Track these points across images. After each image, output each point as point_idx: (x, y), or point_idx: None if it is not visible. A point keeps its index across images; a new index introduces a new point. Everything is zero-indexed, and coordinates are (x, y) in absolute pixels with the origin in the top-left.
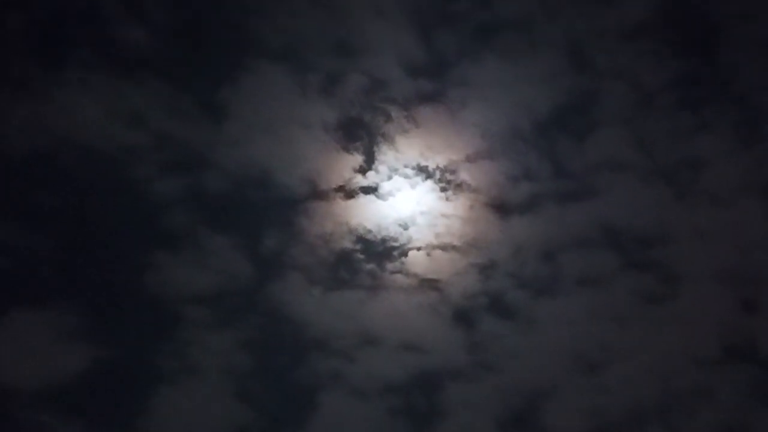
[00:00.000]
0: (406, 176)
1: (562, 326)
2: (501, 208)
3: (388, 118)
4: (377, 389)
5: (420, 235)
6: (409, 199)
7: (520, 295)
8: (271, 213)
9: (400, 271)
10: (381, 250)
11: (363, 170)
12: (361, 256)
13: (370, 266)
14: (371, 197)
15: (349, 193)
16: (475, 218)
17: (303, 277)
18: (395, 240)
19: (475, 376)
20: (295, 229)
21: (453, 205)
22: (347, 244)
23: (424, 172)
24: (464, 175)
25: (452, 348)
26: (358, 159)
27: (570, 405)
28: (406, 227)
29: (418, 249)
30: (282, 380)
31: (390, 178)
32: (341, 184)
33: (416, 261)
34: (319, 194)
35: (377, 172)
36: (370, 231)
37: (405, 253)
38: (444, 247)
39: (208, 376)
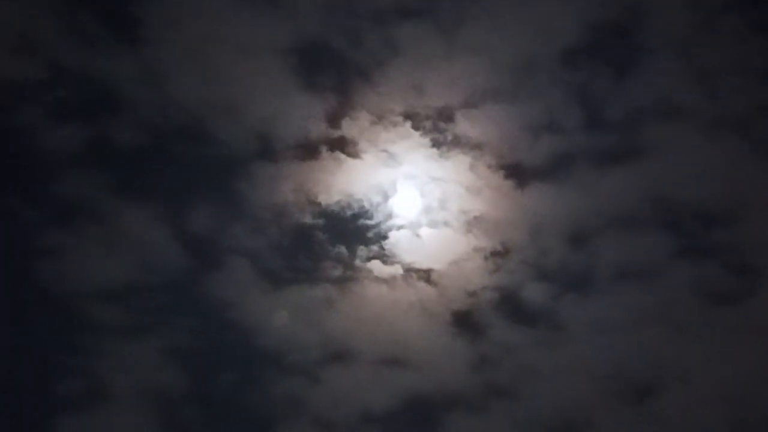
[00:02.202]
0: (386, 126)
1: (597, 335)
2: (514, 171)
3: (359, 41)
4: (349, 420)
5: (405, 207)
6: (391, 159)
7: (542, 291)
8: (205, 178)
9: (379, 258)
10: (353, 229)
11: (330, 118)
12: (327, 237)
13: (339, 250)
14: (339, 156)
15: (311, 151)
16: (480, 185)
17: (249, 266)
18: (372, 214)
19: (482, 403)
20: (238, 199)
21: (449, 166)
22: (308, 220)
23: (409, 120)
24: (464, 125)
25: (451, 364)
26: (322, 102)
27: None
28: (386, 197)
29: (403, 227)
30: (224, 407)
31: (364, 129)
32: (300, 137)
33: (401, 243)
34: (270, 152)
35: (351, 119)
36: (338, 202)
37: (385, 233)
38: (437, 225)
39: (124, 401)
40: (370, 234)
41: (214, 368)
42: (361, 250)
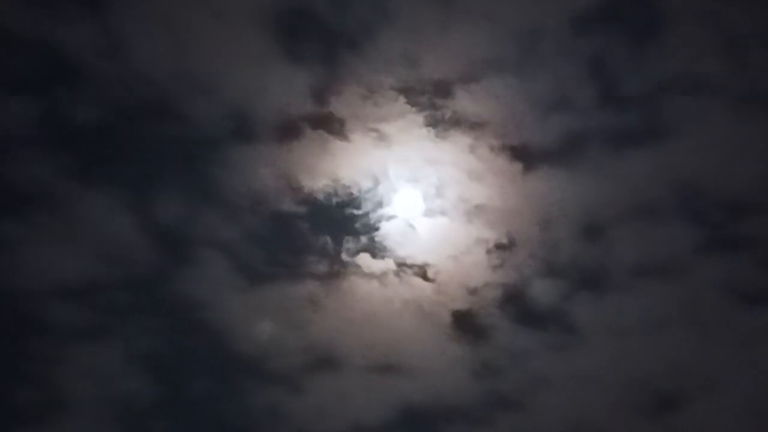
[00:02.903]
0: (377, 102)
1: (614, 338)
2: (520, 153)
3: (347, 6)
4: None
5: (398, 194)
6: (382, 139)
7: (552, 289)
8: (174, 160)
9: (368, 251)
10: (339, 219)
11: (314, 94)
12: (310, 228)
13: (324, 243)
14: (324, 136)
15: (293, 130)
16: (481, 169)
17: (224, 261)
18: (361, 202)
19: (484, 415)
20: (211, 185)
21: (447, 147)
22: (289, 208)
23: (402, 95)
24: (464, 101)
25: (450, 371)
26: (305, 75)
27: None
28: (376, 182)
29: (395, 217)
30: (196, 418)
31: (352, 105)
32: (280, 115)
33: (393, 235)
34: (246, 132)
35: (337, 95)
36: (323, 188)
37: (376, 223)
38: (434, 214)
39: (85, 412)
40: (358, 224)
41: (185, 375)
42: (349, 243)
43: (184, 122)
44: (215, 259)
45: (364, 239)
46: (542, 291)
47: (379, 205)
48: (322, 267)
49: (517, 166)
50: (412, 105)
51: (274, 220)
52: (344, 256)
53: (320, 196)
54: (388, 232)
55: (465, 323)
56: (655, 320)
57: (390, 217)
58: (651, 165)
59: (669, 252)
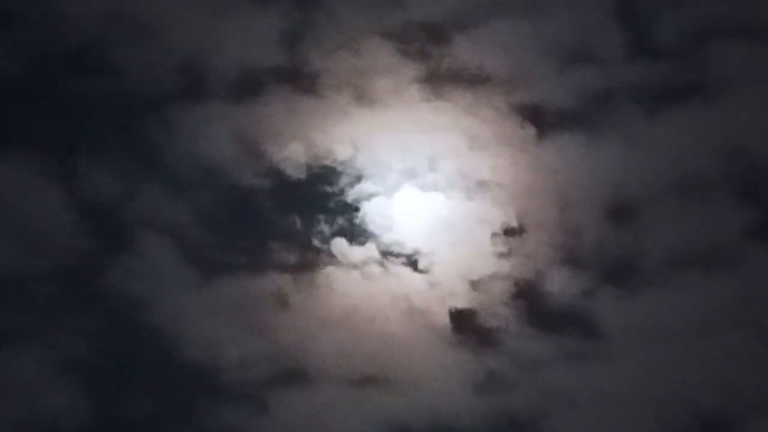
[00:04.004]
0: (357, 52)
1: (647, 344)
2: (533, 115)
3: None
4: None
5: (382, 166)
6: (363, 97)
7: (571, 284)
8: (109, 124)
9: (347, 236)
10: (312, 196)
11: (280, 41)
12: (276, 207)
13: (292, 225)
14: (293, 94)
15: (254, 87)
16: (485, 135)
17: (170, 248)
18: (337, 176)
19: None
20: (154, 154)
21: (442, 108)
22: (250, 182)
23: (388, 42)
24: (463, 50)
25: (449, 385)
26: (270, 19)
27: None
28: (356, 151)
29: (379, 194)
30: None
31: (327, 55)
32: (239, 69)
33: (376, 216)
34: (197, 89)
35: (309, 42)
36: (291, 158)
37: (356, 202)
38: (427, 190)
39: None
40: (334, 203)
41: (123, 390)
42: (323, 225)
43: (120, 76)
44: (159, 245)
45: (341, 221)
46: (560, 286)
47: (359, 179)
48: (290, 256)
49: (529, 132)
50: (400, 55)
51: (232, 197)
52: (317, 242)
53: (287, 168)
54: (371, 212)
55: (465, 325)
56: (698, 322)
57: (372, 195)
58: (693, 130)
59: (715, 238)
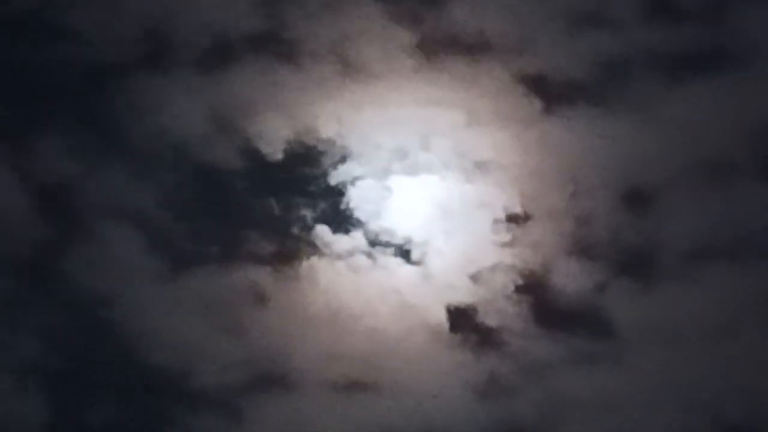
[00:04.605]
0: (340, 14)
1: (668, 344)
2: (539, 86)
3: None
4: None
5: (370, 144)
6: (349, 66)
7: (583, 276)
8: (63, 95)
9: (331, 223)
10: (292, 178)
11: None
12: (251, 189)
13: (270, 212)
14: (270, 61)
15: (226, 54)
16: (485, 108)
17: (133, 236)
18: (320, 155)
19: None
20: (113, 129)
21: (436, 79)
22: (222, 163)
23: (375, 2)
24: (460, 11)
25: (447, 389)
26: None
27: None
28: (341, 126)
29: (366, 176)
30: None
31: (308, 18)
32: (208, 33)
33: (364, 201)
34: (160, 56)
35: (287, 3)
36: (267, 135)
37: (341, 186)
38: (419, 172)
39: None
40: (315, 186)
41: (83, 396)
42: (303, 211)
43: (77, 42)
44: (121, 233)
45: (324, 206)
46: (569, 279)
47: (345, 159)
48: (268, 245)
49: (535, 106)
50: (390, 19)
51: (202, 179)
52: (297, 230)
53: (264, 147)
54: (357, 196)
55: (464, 323)
56: (722, 320)
57: (359, 177)
58: (719, 104)
59: (742, 226)
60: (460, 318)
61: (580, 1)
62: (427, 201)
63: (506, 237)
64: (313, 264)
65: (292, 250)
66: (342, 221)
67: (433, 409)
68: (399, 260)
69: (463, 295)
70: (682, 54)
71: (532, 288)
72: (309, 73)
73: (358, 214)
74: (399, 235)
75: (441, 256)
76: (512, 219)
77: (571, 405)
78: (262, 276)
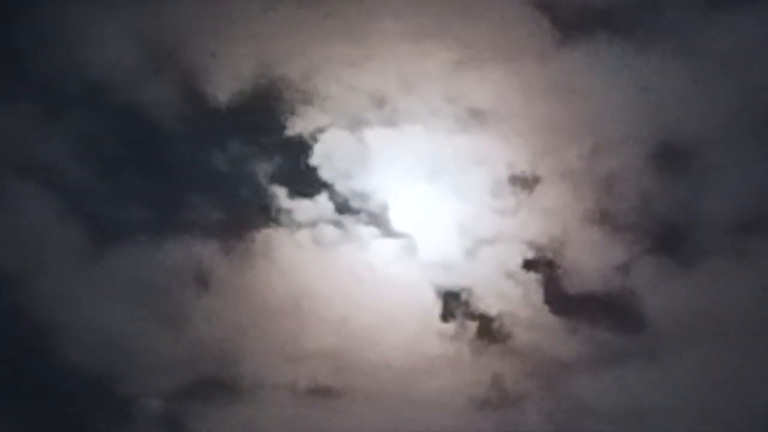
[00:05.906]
0: None
1: (709, 339)
2: (555, 14)
3: None
4: None
5: (340, 83)
6: None
7: (607, 253)
8: None
9: (290, 184)
10: (249, 125)
11: None
12: (196, 141)
13: (213, 168)
14: None
15: None
16: (484, 41)
17: (44, 202)
18: (278, 99)
19: None
20: (20, 64)
21: (423, 2)
22: (154, 105)
23: None
24: None
25: (439, 395)
26: None
27: None
28: (305, 60)
29: (337, 125)
30: None
31: None
32: None
33: (332, 158)
34: None
35: None
36: (212, 73)
37: (304, 139)
38: (400, 119)
39: None
40: (271, 137)
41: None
42: (265, 168)
43: None
44: (26, 195)
45: (282, 163)
46: (587, 255)
47: (308, 105)
48: (213, 212)
49: (546, 38)
50: None
51: (131, 127)
52: (247, 193)
53: (209, 88)
54: (323, 151)
55: (459, 310)
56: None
57: (325, 127)
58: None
59: None
60: (454, 304)
61: None
62: (409, 158)
63: (509, 203)
64: (269, 236)
65: (242, 218)
66: (304, 182)
67: (422, 419)
68: (375, 231)
69: (457, 275)
70: None
71: (542, 267)
72: None
73: (323, 173)
74: (374, 201)
75: (428, 227)
76: (517, 181)
77: (591, 413)
78: (205, 251)
